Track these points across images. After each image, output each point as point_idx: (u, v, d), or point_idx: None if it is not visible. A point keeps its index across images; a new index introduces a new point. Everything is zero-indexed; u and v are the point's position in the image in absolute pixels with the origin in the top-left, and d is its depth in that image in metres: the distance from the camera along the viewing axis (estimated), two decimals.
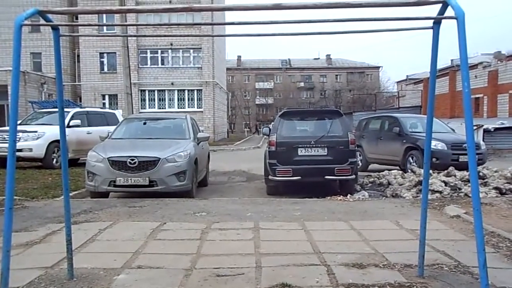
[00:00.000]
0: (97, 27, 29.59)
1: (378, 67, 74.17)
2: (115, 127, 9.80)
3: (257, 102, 76.54)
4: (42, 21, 2.86)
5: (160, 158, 7.44)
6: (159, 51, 31.40)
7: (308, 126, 9.12)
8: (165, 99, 31.80)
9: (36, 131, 11.63)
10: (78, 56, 31.95)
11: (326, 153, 8.34)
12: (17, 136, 10.17)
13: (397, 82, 62.60)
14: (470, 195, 6.57)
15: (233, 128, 65.40)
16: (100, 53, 31.30)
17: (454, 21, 2.50)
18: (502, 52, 33.57)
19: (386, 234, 4.84)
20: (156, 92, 31.71)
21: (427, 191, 3.43)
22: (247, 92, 74.75)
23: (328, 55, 78.15)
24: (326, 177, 8.24)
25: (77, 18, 29.07)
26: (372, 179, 9.66)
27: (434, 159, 9.64)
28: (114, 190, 7.63)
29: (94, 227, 5.15)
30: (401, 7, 2.86)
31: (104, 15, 28.81)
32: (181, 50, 31.53)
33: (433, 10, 2.87)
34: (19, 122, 10.45)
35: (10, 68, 3.58)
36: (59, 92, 3.32)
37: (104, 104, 30.45)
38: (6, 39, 28.76)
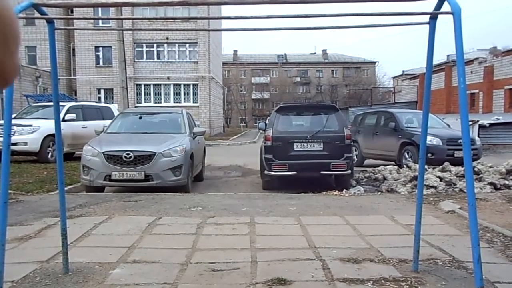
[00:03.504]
0: (92, 20, 29.40)
1: (374, 62, 74.11)
2: (110, 121, 9.77)
3: (253, 97, 76.36)
4: (36, 14, 2.83)
5: (155, 153, 7.42)
6: (155, 45, 31.23)
7: (304, 121, 9.13)
8: (161, 93, 31.67)
9: (31, 125, 11.55)
10: (74, 49, 31.77)
11: (322, 148, 8.35)
12: (12, 130, 10.13)
13: (393, 77, 62.61)
14: (465, 190, 6.60)
15: (229, 123, 65.30)
16: (96, 47, 31.09)
17: (451, 16, 2.50)
18: (498, 47, 33.69)
19: (381, 229, 4.86)
20: (151, 86, 31.56)
21: (422, 186, 3.45)
22: (243, 87, 74.58)
23: (324, 50, 78.01)
24: (322, 172, 8.26)
25: (72, 12, 28.95)
26: (368, 174, 9.70)
27: (429, 155, 9.67)
28: (109, 184, 7.61)
29: (90, 221, 5.14)
30: (397, 2, 2.85)
31: (100, 9, 28.65)
32: (177, 44, 31.37)
33: (430, 5, 2.88)
34: (13, 115, 10.38)
35: None
36: (54, 86, 3.30)
37: (99, 98, 30.30)
38: None
